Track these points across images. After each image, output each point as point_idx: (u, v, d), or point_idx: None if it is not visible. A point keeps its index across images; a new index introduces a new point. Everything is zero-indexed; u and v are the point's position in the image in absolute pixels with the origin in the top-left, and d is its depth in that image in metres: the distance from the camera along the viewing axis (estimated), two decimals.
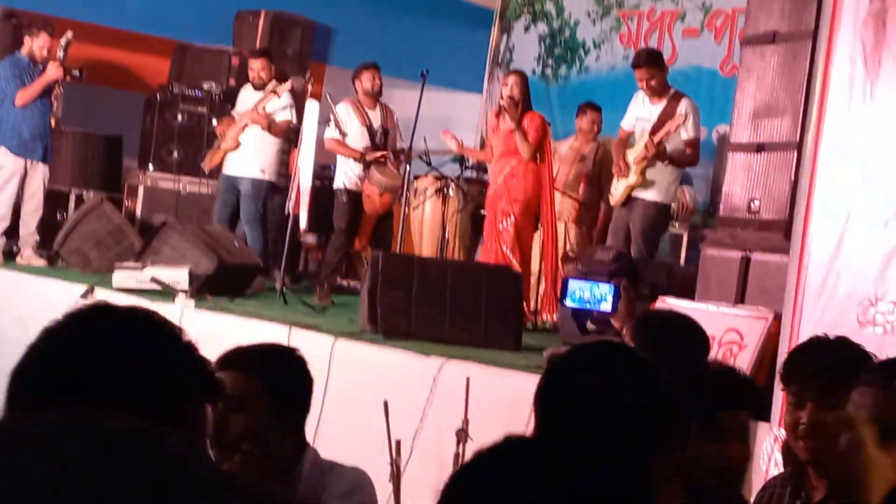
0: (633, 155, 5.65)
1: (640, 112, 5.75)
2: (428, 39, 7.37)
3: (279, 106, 6.58)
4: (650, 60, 5.73)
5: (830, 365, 2.24)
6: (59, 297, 6.40)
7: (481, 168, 6.91)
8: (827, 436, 2.06)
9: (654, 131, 5.54)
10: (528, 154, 5.69)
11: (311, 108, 6.20)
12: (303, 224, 6.38)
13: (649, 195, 5.76)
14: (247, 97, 6.73)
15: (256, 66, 6.61)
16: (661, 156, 5.55)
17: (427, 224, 6.44)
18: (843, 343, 2.42)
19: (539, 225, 6.01)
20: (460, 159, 6.51)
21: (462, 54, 8.35)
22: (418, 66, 6.13)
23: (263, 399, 1.87)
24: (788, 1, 4.85)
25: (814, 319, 4.11)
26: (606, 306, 3.97)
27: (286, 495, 1.89)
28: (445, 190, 6.37)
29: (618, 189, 5.82)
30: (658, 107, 5.61)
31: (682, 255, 6.12)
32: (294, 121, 6.54)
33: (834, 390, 2.18)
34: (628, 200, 5.85)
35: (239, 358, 1.96)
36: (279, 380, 1.91)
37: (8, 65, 6.42)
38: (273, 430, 1.85)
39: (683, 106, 5.54)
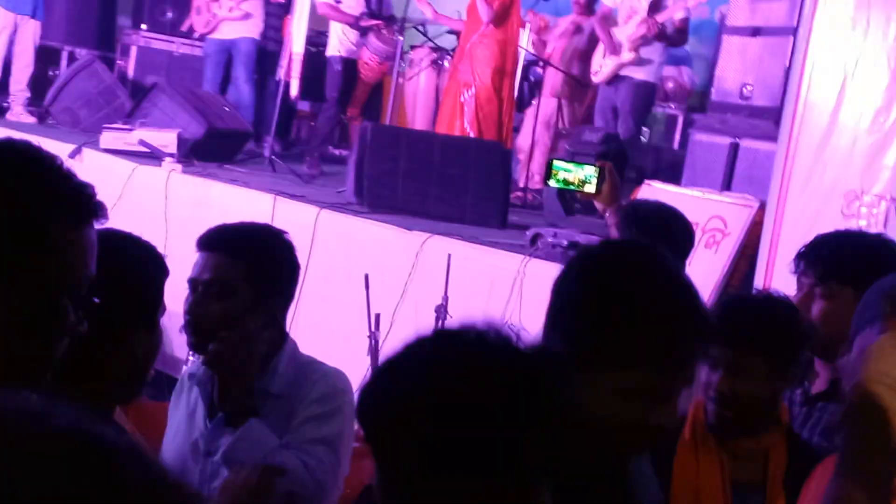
0: (625, 32, 5.48)
1: None
2: None
3: None
4: None
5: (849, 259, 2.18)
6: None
7: None
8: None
9: (652, 9, 5.35)
10: (487, 16, 5.51)
11: None
12: (294, 91, 6.33)
13: (640, 74, 5.64)
14: None
15: None
16: (661, 36, 5.38)
17: (420, 96, 6.36)
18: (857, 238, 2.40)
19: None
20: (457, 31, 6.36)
21: None
22: None
23: (245, 284, 1.75)
24: None
25: (798, 210, 4.10)
26: (590, 188, 4.00)
27: (261, 387, 1.79)
28: (441, 62, 6.24)
29: (605, 66, 5.64)
30: None
31: (677, 137, 6.04)
32: None
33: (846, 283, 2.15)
34: (615, 79, 5.71)
35: (222, 238, 1.82)
36: (264, 265, 1.78)
37: None
38: (253, 318, 1.74)
39: None
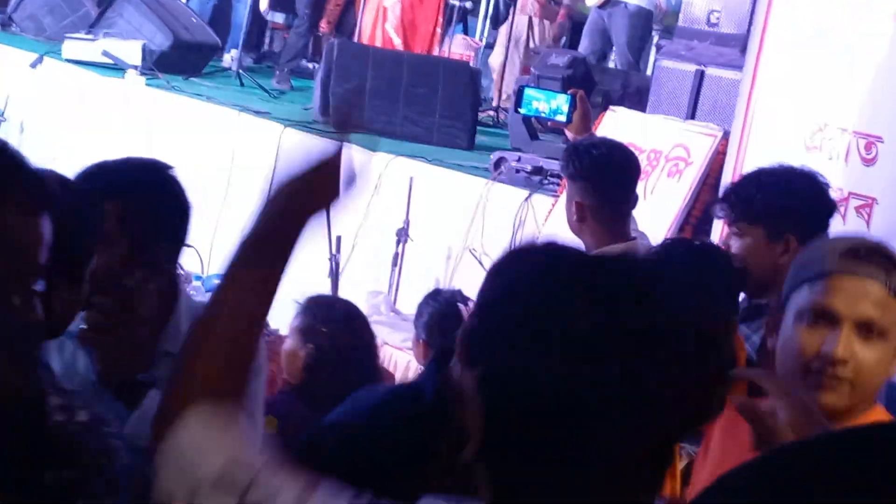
0: None
1: None
2: None
3: None
4: None
5: (779, 205, 2.25)
6: (10, 63, 6.37)
7: None
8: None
9: None
10: None
11: None
12: (263, 3, 6.28)
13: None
14: None
15: None
16: None
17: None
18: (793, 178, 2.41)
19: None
20: None
21: None
22: None
23: (118, 231, 1.52)
24: None
25: (761, 140, 4.09)
26: (562, 118, 4.00)
27: (159, 349, 1.55)
28: None
29: None
30: None
31: (651, 61, 5.94)
32: None
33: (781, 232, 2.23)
34: (607, 3, 5.64)
35: (89, 176, 1.59)
36: (142, 207, 1.57)
37: None
38: (132, 272, 1.51)
39: None
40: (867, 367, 1.45)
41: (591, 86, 5.33)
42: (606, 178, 2.99)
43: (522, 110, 4.70)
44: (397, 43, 5.85)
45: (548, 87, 5.01)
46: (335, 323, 3.20)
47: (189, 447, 0.97)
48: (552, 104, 4.30)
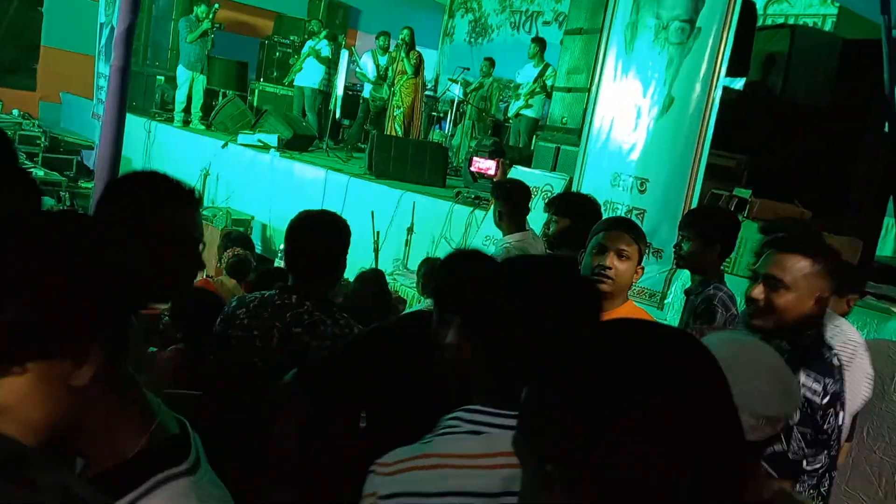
0: (523, 90, 9.06)
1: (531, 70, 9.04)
2: (409, 19, 11.02)
3: (322, 47, 10.24)
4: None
5: None
6: (211, 145, 9.14)
7: None
8: None
9: (536, 79, 8.94)
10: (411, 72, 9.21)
11: (344, 53, 10.03)
12: (338, 114, 10.13)
13: (531, 112, 8.92)
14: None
15: (312, 25, 10.25)
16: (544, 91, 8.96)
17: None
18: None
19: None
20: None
21: (428, 28, 12.07)
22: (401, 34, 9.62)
23: None
24: (589, 10, 6.53)
25: (590, 182, 5.47)
26: (491, 171, 6.67)
27: None
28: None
29: (511, 108, 9.18)
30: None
31: (533, 139, 10.00)
32: (330, 56, 10.09)
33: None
34: (516, 116, 9.02)
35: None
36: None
37: (185, 21, 10.06)
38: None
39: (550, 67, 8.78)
40: (620, 274, 2.33)
41: (503, 155, 7.73)
42: (513, 197, 4.08)
43: (473, 167, 7.31)
44: (400, 133, 9.21)
45: (482, 157, 7.60)
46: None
47: None
48: (487, 165, 7.09)
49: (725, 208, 4.32)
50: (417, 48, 9.56)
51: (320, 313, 2.15)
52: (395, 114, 9.50)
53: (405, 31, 9.44)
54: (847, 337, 2.61)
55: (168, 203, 1.46)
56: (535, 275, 1.27)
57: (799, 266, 1.98)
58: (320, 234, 2.18)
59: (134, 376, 0.98)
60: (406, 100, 9.47)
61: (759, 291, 2.03)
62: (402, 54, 9.33)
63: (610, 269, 2.32)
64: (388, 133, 9.36)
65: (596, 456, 0.76)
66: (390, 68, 9.48)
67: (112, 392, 0.94)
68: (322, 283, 2.23)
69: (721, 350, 1.34)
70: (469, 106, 10.01)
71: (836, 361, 2.02)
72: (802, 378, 1.88)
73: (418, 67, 9.46)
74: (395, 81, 9.54)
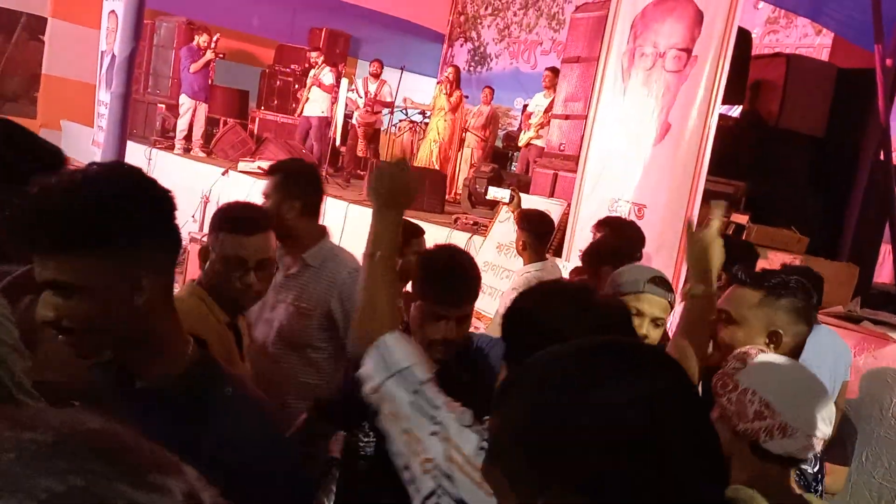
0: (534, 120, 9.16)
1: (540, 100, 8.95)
2: (408, 48, 11.47)
3: (325, 75, 10.37)
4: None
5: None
6: (213, 172, 9.15)
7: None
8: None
9: (547, 110, 8.89)
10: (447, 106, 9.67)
11: (343, 81, 10.10)
12: (339, 141, 10.26)
13: (539, 142, 8.66)
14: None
15: (313, 56, 10.39)
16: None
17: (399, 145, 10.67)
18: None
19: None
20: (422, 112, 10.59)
21: (427, 57, 12.37)
22: (401, 62, 9.94)
23: None
24: (586, 39, 6.64)
25: (587, 208, 5.50)
26: (506, 199, 5.76)
27: None
28: (416, 128, 10.58)
29: (523, 138, 9.34)
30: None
31: (532, 168, 10.15)
32: (333, 83, 10.24)
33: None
34: (527, 144, 8.96)
35: None
36: None
37: (186, 50, 10.11)
38: None
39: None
40: (651, 342, 2.14)
41: (501, 181, 8.00)
42: (539, 228, 4.17)
43: (489, 196, 6.91)
44: (436, 165, 9.48)
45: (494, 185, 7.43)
46: None
47: (392, 346, 1.28)
48: (503, 195, 6.18)
49: (744, 240, 4.29)
50: (425, 76, 9.79)
51: None
52: (431, 147, 9.73)
53: (450, 70, 9.70)
54: None
55: None
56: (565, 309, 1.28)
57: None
58: None
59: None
60: (444, 134, 9.68)
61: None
62: (444, 91, 9.56)
63: (645, 338, 2.18)
64: (427, 165, 9.68)
65: (548, 491, 0.73)
66: (438, 99, 9.70)
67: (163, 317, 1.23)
68: None
69: (790, 373, 1.36)
70: (468, 133, 10.08)
71: None
72: None
73: (457, 106, 9.68)
74: (434, 114, 9.79)
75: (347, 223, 7.44)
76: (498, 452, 0.79)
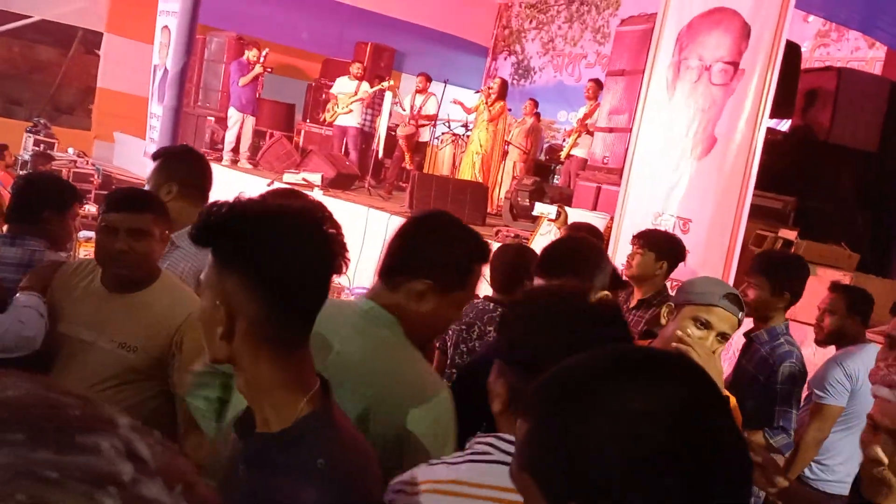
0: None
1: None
2: (452, 61, 11.54)
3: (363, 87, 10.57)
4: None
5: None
6: (258, 183, 9.06)
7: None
8: None
9: (583, 119, 9.12)
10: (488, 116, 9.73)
11: (388, 95, 10.22)
12: (381, 154, 10.35)
13: (580, 152, 8.97)
14: (344, 84, 10.51)
15: (356, 68, 10.55)
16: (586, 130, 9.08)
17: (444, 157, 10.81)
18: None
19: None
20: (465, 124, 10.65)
21: (471, 70, 12.51)
22: (444, 75, 10.05)
23: None
24: (631, 52, 6.77)
25: (631, 221, 5.47)
26: (552, 216, 6.13)
27: None
28: (458, 141, 10.67)
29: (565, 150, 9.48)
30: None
31: (573, 180, 10.15)
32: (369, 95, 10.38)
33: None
34: (568, 156, 9.22)
35: None
36: None
37: (236, 64, 10.32)
38: None
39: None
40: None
41: (544, 194, 8.13)
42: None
43: (535, 212, 6.85)
44: (479, 177, 9.47)
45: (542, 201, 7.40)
46: None
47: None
48: (549, 210, 6.50)
49: (796, 255, 4.24)
50: (465, 89, 9.80)
51: None
52: (473, 159, 9.81)
53: (496, 81, 9.74)
54: None
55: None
56: (558, 309, 1.29)
57: None
58: None
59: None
60: (486, 145, 9.75)
61: (711, 343, 2.16)
62: (487, 103, 9.64)
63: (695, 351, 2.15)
64: (470, 177, 9.75)
65: (581, 493, 0.73)
66: (483, 112, 9.77)
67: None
68: None
69: None
70: (511, 146, 10.10)
71: None
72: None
73: (497, 116, 9.74)
74: (476, 126, 9.87)
75: (389, 235, 7.62)
76: (528, 459, 0.80)
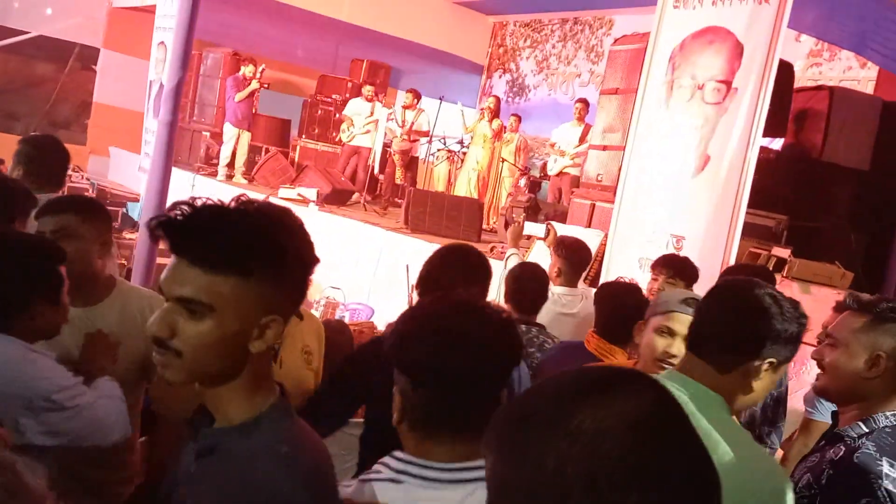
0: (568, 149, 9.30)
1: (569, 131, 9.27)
2: (447, 78, 11.58)
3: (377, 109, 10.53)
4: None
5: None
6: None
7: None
8: None
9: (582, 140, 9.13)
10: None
11: (384, 111, 10.29)
12: (377, 169, 10.45)
13: (574, 171, 8.98)
14: (358, 105, 10.52)
15: (369, 90, 10.53)
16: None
17: (442, 174, 10.84)
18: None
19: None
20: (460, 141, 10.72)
21: (466, 87, 12.50)
22: (439, 92, 10.06)
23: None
24: (624, 70, 6.78)
25: (623, 238, 5.55)
26: (541, 233, 5.74)
27: None
28: (454, 157, 10.68)
29: (554, 167, 9.48)
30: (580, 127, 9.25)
31: (565, 197, 10.13)
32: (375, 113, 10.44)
33: None
34: (559, 173, 9.27)
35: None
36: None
37: (232, 80, 10.39)
38: None
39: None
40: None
41: (539, 209, 8.29)
42: (574, 257, 4.15)
43: (525, 231, 5.64)
44: (475, 194, 9.66)
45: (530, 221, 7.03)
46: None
47: None
48: (538, 231, 6.00)
49: (760, 265, 4.26)
50: (458, 105, 9.82)
51: None
52: (469, 175, 9.86)
53: (491, 100, 9.87)
54: None
55: None
56: (461, 327, 1.30)
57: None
58: None
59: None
60: (483, 163, 9.81)
61: (677, 348, 2.10)
62: (485, 120, 9.72)
63: (675, 357, 2.19)
64: (466, 194, 9.77)
65: None
66: (479, 127, 9.83)
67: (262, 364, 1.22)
68: None
69: None
70: (504, 163, 10.13)
71: None
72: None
73: (498, 133, 9.85)
74: (474, 143, 9.94)
75: (384, 252, 7.47)
76: (493, 492, 0.79)
